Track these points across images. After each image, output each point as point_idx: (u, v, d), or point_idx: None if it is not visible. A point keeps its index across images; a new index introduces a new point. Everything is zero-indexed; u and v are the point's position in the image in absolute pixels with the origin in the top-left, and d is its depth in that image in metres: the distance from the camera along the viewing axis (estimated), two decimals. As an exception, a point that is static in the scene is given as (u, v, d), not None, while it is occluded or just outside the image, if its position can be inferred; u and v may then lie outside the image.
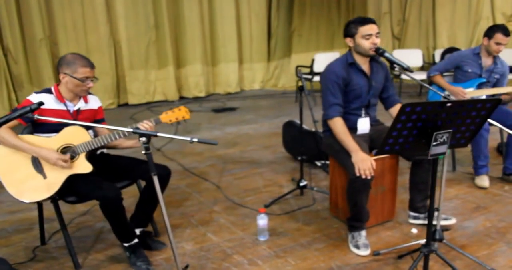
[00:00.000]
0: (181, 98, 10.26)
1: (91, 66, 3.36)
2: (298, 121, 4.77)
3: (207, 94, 10.52)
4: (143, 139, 2.76)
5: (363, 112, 3.84)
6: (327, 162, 5.01)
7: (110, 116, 8.36)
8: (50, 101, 3.35)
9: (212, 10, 10.39)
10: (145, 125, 3.26)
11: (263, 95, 10.50)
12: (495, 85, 4.97)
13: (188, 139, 2.76)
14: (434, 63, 9.14)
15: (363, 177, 3.36)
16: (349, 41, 3.69)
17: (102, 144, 3.28)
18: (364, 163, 3.37)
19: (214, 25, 10.49)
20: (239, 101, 9.91)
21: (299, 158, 4.71)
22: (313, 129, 5.05)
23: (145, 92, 9.80)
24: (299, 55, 11.12)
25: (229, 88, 10.83)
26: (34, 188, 3.24)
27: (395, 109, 3.91)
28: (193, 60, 10.21)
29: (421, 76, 8.84)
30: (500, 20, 9.79)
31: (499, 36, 4.73)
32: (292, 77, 11.07)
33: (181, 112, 3.34)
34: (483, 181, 4.75)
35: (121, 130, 3.16)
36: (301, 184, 4.61)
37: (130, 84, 9.63)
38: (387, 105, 3.98)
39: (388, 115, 3.85)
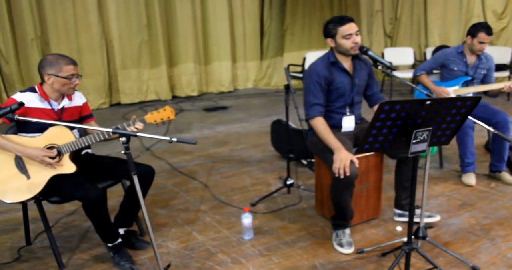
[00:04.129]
0: (174, 97, 10.24)
1: (74, 63, 3.38)
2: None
3: (200, 93, 10.49)
4: (123, 138, 2.75)
5: (347, 110, 3.84)
6: (313, 160, 5.01)
7: (102, 116, 8.40)
8: (34, 100, 3.35)
9: (205, 9, 10.35)
10: (137, 127, 3.27)
11: (256, 94, 10.49)
12: (483, 80, 4.98)
13: (168, 138, 2.77)
14: (425, 61, 9.14)
15: (336, 175, 3.38)
16: (330, 42, 3.69)
17: (86, 144, 3.28)
18: (341, 162, 3.37)
19: (206, 24, 10.45)
20: (232, 100, 9.90)
21: (287, 156, 4.72)
22: (300, 128, 5.06)
23: (137, 92, 9.76)
24: (292, 54, 11.09)
25: (222, 87, 10.79)
26: (17, 188, 3.23)
27: None
28: (185, 59, 10.18)
29: (412, 74, 8.86)
30: (490, 18, 9.80)
31: (482, 35, 4.76)
32: (284, 76, 11.03)
33: (166, 113, 3.34)
34: (470, 178, 4.77)
35: (102, 131, 3.18)
36: (288, 183, 4.62)
37: (123, 84, 9.59)
38: (371, 103, 4.00)
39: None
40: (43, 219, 3.45)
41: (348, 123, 3.88)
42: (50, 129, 3.30)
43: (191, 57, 10.19)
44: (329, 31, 3.65)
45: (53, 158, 3.22)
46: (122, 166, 3.52)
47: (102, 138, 3.29)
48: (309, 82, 3.72)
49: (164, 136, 2.86)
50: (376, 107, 3.95)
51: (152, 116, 3.32)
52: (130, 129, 3.26)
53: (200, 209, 4.44)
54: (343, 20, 3.59)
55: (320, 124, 3.67)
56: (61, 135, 3.30)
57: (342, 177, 3.35)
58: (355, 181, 3.44)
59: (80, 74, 3.45)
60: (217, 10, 10.41)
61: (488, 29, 4.75)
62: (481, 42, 4.77)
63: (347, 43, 3.58)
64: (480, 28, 4.77)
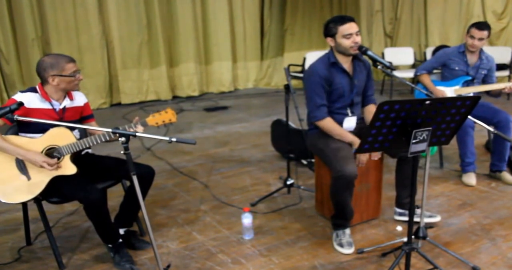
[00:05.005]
0: (175, 97, 10.23)
1: (73, 60, 3.40)
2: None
3: (200, 94, 10.48)
4: (122, 139, 2.74)
5: (348, 111, 3.83)
6: (313, 160, 5.01)
7: (103, 116, 8.39)
8: (35, 101, 3.35)
9: (205, 9, 10.34)
10: (138, 130, 3.27)
11: (256, 94, 10.48)
12: (484, 80, 4.98)
13: (167, 138, 2.76)
14: (425, 61, 9.16)
15: (360, 165, 3.58)
16: (330, 41, 3.68)
17: (87, 145, 3.28)
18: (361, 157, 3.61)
19: (207, 24, 10.44)
20: (232, 100, 9.90)
21: (287, 156, 4.71)
22: (300, 128, 5.06)
23: (137, 92, 9.76)
24: (292, 54, 11.08)
25: (223, 87, 10.79)
26: (17, 189, 3.24)
27: (368, 109, 3.99)
28: (186, 59, 10.17)
29: (412, 74, 8.85)
30: (490, 18, 9.81)
31: (472, 30, 4.80)
32: (285, 76, 10.99)
33: (168, 115, 3.34)
34: (470, 178, 4.76)
35: (103, 132, 3.20)
36: (288, 182, 4.62)
37: (123, 84, 9.59)
38: (362, 104, 4.02)
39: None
40: (43, 219, 3.45)
41: (350, 123, 3.87)
42: (51, 130, 3.30)
43: (191, 57, 10.19)
44: (329, 30, 3.65)
45: (52, 165, 3.22)
46: (122, 166, 3.52)
47: (103, 139, 3.29)
48: (312, 83, 3.71)
49: (165, 136, 2.85)
50: (364, 108, 4.02)
51: (154, 119, 3.32)
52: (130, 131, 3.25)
53: (200, 209, 4.44)
54: (344, 19, 3.58)
55: (330, 124, 3.72)
56: (62, 136, 3.30)
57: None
58: (354, 180, 3.45)
59: (79, 69, 3.47)
60: (217, 10, 10.41)
61: (479, 25, 4.76)
62: (471, 37, 4.78)
63: (346, 43, 3.57)
64: (472, 24, 4.80)
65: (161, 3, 9.66)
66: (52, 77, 3.32)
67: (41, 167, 3.19)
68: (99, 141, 3.28)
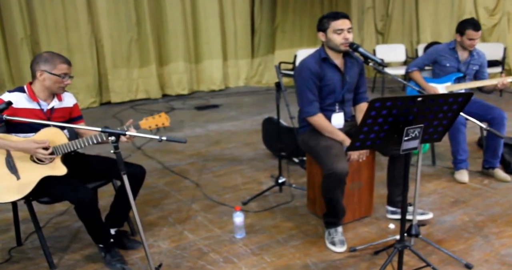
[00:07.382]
0: (164, 96, 10.20)
1: (69, 63, 3.35)
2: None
3: (190, 92, 10.45)
4: (112, 138, 2.72)
5: (337, 107, 3.82)
6: (305, 158, 5.00)
7: (93, 115, 8.35)
8: (22, 100, 3.30)
9: (195, 7, 10.31)
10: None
11: (247, 92, 10.47)
12: (475, 76, 4.97)
13: (157, 137, 2.74)
14: (417, 58, 9.17)
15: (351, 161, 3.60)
16: (321, 36, 3.68)
17: (79, 147, 3.23)
18: (355, 153, 3.62)
19: (197, 22, 10.42)
20: (223, 98, 9.88)
21: (278, 154, 4.70)
22: (291, 126, 5.03)
23: (127, 91, 9.72)
24: (283, 52, 11.10)
25: (213, 86, 10.77)
26: (6, 188, 3.19)
27: (360, 107, 3.97)
28: (176, 57, 10.15)
29: (404, 71, 8.86)
30: (482, 15, 9.84)
31: (470, 32, 4.74)
32: (276, 74, 11.00)
33: (161, 119, 3.31)
34: (462, 175, 4.76)
35: (94, 134, 3.17)
36: (280, 181, 4.60)
37: (113, 83, 9.54)
38: (354, 102, 3.99)
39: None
40: (34, 220, 3.40)
41: (337, 120, 3.86)
42: (43, 130, 3.25)
43: (181, 55, 10.17)
44: (322, 25, 3.65)
45: (46, 149, 3.17)
46: (113, 166, 3.46)
47: (94, 141, 3.25)
48: (303, 79, 3.71)
49: (155, 134, 2.83)
50: (356, 106, 4.01)
51: (147, 122, 3.29)
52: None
53: (191, 208, 4.41)
54: (338, 15, 3.58)
55: (322, 120, 3.72)
56: (53, 136, 3.26)
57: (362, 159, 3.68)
58: (346, 178, 3.44)
59: (72, 75, 3.41)
60: (207, 7, 10.39)
61: (474, 25, 4.73)
62: (470, 39, 4.76)
63: (337, 39, 3.56)
64: (466, 26, 4.75)
65: (150, 1, 9.64)
66: (40, 72, 3.27)
67: (35, 153, 3.14)
68: (90, 142, 3.24)
